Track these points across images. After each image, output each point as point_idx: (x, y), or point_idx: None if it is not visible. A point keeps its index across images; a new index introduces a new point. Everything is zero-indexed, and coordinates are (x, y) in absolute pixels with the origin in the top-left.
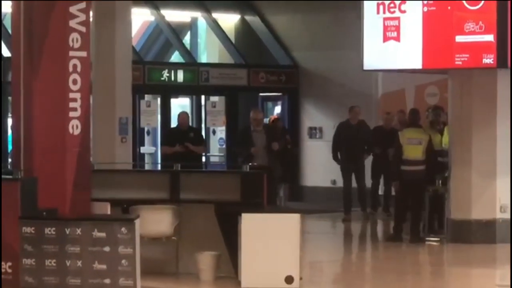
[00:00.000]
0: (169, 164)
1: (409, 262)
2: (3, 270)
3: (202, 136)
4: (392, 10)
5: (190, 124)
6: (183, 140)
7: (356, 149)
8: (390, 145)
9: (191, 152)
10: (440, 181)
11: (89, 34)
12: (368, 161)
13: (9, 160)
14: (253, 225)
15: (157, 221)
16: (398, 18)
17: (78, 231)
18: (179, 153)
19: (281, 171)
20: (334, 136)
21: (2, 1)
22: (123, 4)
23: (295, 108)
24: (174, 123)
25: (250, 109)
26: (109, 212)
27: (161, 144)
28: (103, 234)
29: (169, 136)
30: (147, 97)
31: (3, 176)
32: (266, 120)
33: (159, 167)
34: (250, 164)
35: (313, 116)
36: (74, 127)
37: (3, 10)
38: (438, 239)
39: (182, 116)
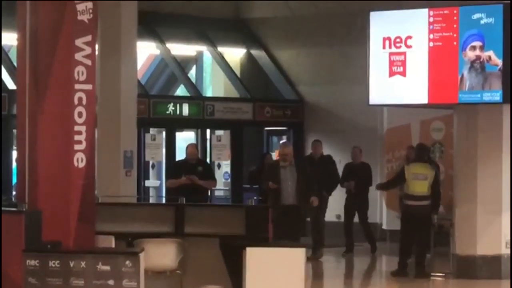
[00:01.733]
0: (174, 197)
1: None
2: None
3: (211, 170)
4: (398, 45)
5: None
6: (190, 174)
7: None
8: (360, 180)
9: (198, 186)
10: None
11: (95, 67)
12: (341, 197)
13: (14, 192)
14: (257, 259)
15: (161, 254)
16: (404, 53)
17: (83, 264)
18: (184, 187)
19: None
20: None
21: (8, 34)
22: (129, 38)
23: (300, 143)
24: (179, 157)
25: (254, 143)
26: (113, 246)
27: (167, 178)
28: (107, 268)
29: (176, 168)
30: (152, 130)
31: (7, 209)
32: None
33: (164, 201)
34: (277, 203)
35: None
36: (79, 160)
37: (8, 42)
38: (444, 274)
39: (191, 148)
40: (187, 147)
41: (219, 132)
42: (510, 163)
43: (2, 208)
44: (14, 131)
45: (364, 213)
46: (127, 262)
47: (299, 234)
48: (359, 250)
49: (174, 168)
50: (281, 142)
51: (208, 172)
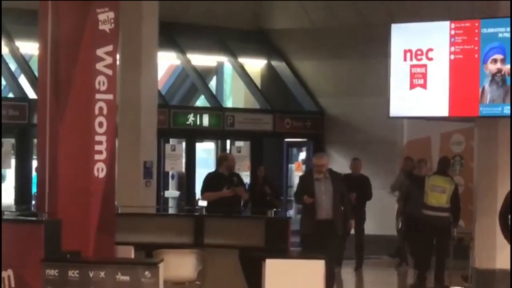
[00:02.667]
0: (193, 208)
1: None
2: None
3: (243, 180)
4: (419, 57)
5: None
6: (230, 186)
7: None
8: (359, 192)
9: (239, 196)
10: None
11: (116, 77)
12: None
13: (33, 202)
14: (277, 271)
15: (181, 265)
16: (425, 66)
17: (102, 274)
18: (223, 199)
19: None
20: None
21: (29, 43)
22: (150, 48)
23: None
24: (199, 167)
25: (274, 155)
26: (132, 256)
27: (204, 191)
28: (126, 278)
29: (213, 181)
30: (172, 141)
31: (27, 218)
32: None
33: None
34: (312, 218)
35: (337, 162)
36: (99, 170)
37: (30, 52)
38: (463, 287)
39: (232, 160)
40: (224, 159)
41: (239, 143)
42: None
43: (22, 218)
44: (35, 140)
45: (361, 224)
46: (146, 273)
47: (333, 250)
48: (376, 263)
49: (211, 180)
50: (315, 153)
51: (242, 183)
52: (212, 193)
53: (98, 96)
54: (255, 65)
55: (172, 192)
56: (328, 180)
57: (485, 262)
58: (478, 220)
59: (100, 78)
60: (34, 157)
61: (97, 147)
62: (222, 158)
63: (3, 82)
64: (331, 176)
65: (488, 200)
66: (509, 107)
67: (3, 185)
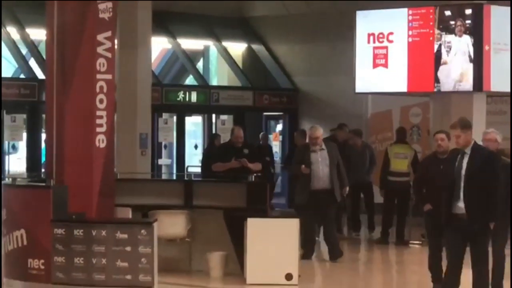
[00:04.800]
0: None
1: (395, 261)
2: (36, 267)
3: (257, 152)
4: (381, 40)
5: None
6: (239, 157)
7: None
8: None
9: (248, 169)
10: None
11: (114, 60)
12: None
13: (43, 170)
14: (257, 229)
15: (172, 224)
16: (386, 47)
17: (103, 232)
18: (232, 170)
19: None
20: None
21: (37, 30)
22: (144, 34)
23: (295, 126)
24: (188, 138)
25: (254, 126)
26: (130, 216)
27: (212, 161)
28: (125, 236)
29: (223, 152)
30: (164, 115)
31: (37, 184)
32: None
33: (174, 177)
34: (308, 188)
35: None
36: (100, 141)
37: (39, 38)
38: (421, 242)
39: (238, 131)
40: (233, 130)
41: (224, 117)
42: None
43: (33, 184)
44: (43, 116)
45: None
46: (143, 231)
47: (332, 217)
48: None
49: (221, 151)
50: (312, 126)
51: (254, 154)
52: (221, 164)
53: (98, 76)
54: (237, 48)
55: (164, 160)
56: (324, 151)
57: None
58: None
59: (101, 60)
60: (43, 130)
61: (98, 121)
62: (231, 130)
63: (15, 65)
64: (326, 147)
65: None
66: (461, 84)
67: (16, 155)
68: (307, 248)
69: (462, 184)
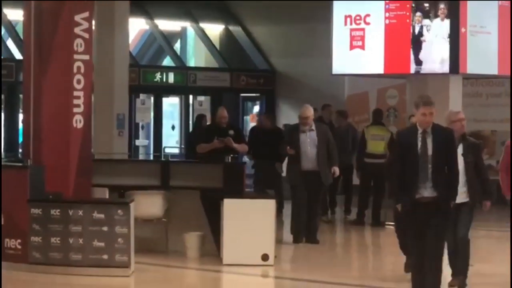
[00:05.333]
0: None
1: (371, 243)
2: (13, 246)
3: (243, 134)
4: (358, 22)
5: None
6: (219, 137)
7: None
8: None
9: (231, 150)
10: None
11: (92, 40)
12: None
13: (20, 150)
14: (233, 209)
15: (149, 204)
16: (363, 29)
17: (80, 212)
18: (217, 151)
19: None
20: None
21: (15, 10)
22: (122, 14)
23: (272, 107)
24: (166, 119)
25: (231, 108)
26: (107, 196)
27: (196, 142)
28: (102, 216)
29: (207, 133)
30: (141, 96)
31: (14, 164)
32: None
33: (151, 158)
34: (296, 169)
35: (287, 114)
36: (78, 121)
37: (15, 18)
38: None
39: (222, 111)
40: (217, 110)
41: (201, 98)
42: None
43: (10, 164)
44: (21, 96)
45: None
46: (119, 211)
47: (318, 200)
48: None
49: (205, 132)
50: (303, 105)
51: (240, 136)
52: (205, 145)
53: (76, 56)
54: (215, 30)
55: (142, 141)
56: (313, 132)
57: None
58: None
59: (78, 40)
60: (21, 110)
61: (75, 101)
62: (217, 110)
63: None
64: (316, 128)
65: None
66: (437, 66)
67: None
68: (296, 232)
69: (429, 166)
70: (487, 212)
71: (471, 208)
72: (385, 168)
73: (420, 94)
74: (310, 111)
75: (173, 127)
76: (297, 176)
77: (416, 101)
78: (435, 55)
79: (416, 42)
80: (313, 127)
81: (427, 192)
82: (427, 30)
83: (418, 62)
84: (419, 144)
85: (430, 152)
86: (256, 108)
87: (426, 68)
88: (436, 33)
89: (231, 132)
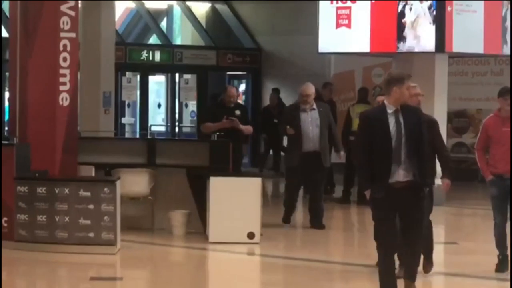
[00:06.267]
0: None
1: (356, 221)
2: None
3: (248, 115)
4: (344, 0)
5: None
6: (227, 117)
7: None
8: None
9: (238, 130)
10: None
11: (78, 18)
12: None
13: (6, 128)
14: (219, 187)
15: (135, 182)
16: (349, 8)
17: (66, 190)
18: (222, 131)
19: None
20: None
21: None
22: None
23: (258, 86)
24: (152, 97)
25: (218, 86)
26: (93, 174)
27: (202, 121)
28: (88, 194)
29: (213, 112)
30: (128, 74)
31: (0, 142)
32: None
33: (137, 136)
34: (297, 150)
35: None
36: (64, 99)
37: None
38: None
39: (231, 89)
40: (226, 89)
41: (187, 76)
42: (441, 103)
43: None
44: (7, 74)
45: None
46: (105, 189)
47: (319, 182)
48: None
49: (211, 111)
50: (304, 84)
51: (246, 117)
52: (211, 124)
53: (62, 34)
54: (201, 8)
55: (128, 119)
56: (315, 111)
57: None
58: None
59: (64, 18)
60: (7, 88)
61: (61, 79)
62: (225, 89)
63: None
64: (318, 107)
65: None
66: (423, 44)
67: None
68: (286, 212)
69: (402, 147)
70: (472, 191)
71: (429, 190)
72: (352, 152)
73: (391, 71)
74: (311, 89)
75: (159, 105)
76: (295, 158)
77: (393, 77)
78: (420, 34)
79: (401, 21)
80: (314, 106)
81: (401, 176)
82: (410, 10)
83: (404, 40)
84: (391, 124)
85: (403, 131)
86: (242, 87)
87: (411, 46)
88: (419, 12)
89: (238, 112)
